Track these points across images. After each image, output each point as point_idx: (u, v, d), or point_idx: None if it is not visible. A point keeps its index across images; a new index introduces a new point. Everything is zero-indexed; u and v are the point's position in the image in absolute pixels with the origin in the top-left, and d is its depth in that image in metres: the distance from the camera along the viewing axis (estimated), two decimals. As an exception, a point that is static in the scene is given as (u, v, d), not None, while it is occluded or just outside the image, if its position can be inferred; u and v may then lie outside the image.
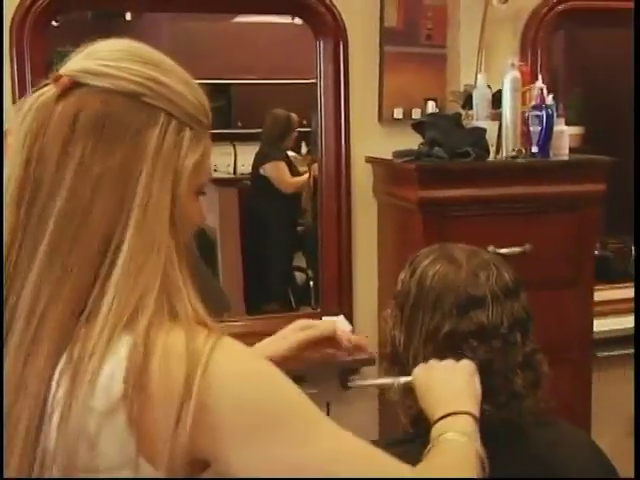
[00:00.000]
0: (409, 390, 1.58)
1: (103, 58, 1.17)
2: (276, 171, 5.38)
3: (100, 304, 1.09)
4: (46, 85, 1.17)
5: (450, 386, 1.47)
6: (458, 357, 1.55)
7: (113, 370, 1.06)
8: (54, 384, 1.07)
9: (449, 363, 1.53)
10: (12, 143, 1.15)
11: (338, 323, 1.78)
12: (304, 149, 5.99)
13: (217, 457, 1.11)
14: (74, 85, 1.14)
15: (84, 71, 1.15)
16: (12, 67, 2.96)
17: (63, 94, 1.14)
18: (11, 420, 1.08)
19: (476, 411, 1.41)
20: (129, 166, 1.12)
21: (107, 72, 1.14)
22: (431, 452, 1.31)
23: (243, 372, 1.12)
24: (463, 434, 1.32)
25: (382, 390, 1.74)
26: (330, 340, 1.68)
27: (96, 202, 1.11)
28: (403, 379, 1.58)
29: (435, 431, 1.37)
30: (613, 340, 3.62)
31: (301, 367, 3.22)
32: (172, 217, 1.15)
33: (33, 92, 1.18)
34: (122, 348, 1.06)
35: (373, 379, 1.68)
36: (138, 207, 1.12)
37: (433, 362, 1.54)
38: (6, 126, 2.89)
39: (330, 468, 1.11)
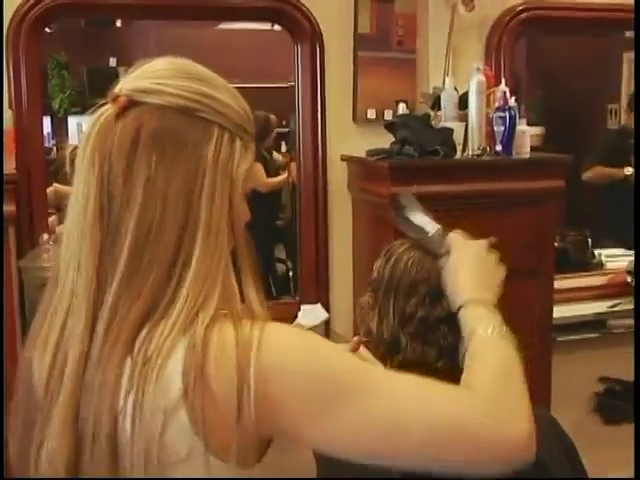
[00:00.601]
0: None
1: (155, 77, 1.16)
2: (255, 172, 5.37)
3: (170, 310, 1.09)
4: (104, 104, 1.16)
5: (482, 270, 1.47)
6: (431, 342, 1.56)
7: (172, 370, 1.06)
8: (125, 382, 1.08)
9: (484, 246, 1.53)
10: (78, 163, 1.14)
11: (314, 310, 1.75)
12: (284, 148, 5.98)
13: (285, 431, 1.10)
14: (131, 104, 1.14)
15: (139, 90, 1.14)
16: (8, 72, 2.94)
17: (121, 113, 1.14)
18: (86, 417, 1.09)
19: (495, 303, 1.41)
20: (191, 179, 1.13)
21: (161, 90, 1.14)
22: (471, 354, 1.29)
23: (295, 347, 1.10)
24: (498, 327, 1.32)
25: None
26: None
27: (166, 216, 1.11)
28: (438, 229, 1.58)
29: (467, 319, 1.37)
30: (572, 325, 3.64)
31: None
32: (231, 224, 1.15)
33: (93, 112, 1.17)
34: (180, 349, 1.06)
35: (418, 212, 1.64)
36: (204, 218, 1.12)
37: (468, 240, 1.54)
38: (6, 126, 2.88)
39: (403, 416, 1.10)
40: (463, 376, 1.23)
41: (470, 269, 1.46)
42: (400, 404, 1.11)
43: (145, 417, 1.06)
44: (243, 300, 1.15)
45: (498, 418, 1.14)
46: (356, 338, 1.63)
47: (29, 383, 1.19)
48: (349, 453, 1.12)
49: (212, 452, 1.07)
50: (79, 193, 1.14)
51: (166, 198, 1.11)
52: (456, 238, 1.54)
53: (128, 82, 1.16)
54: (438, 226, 1.59)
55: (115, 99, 1.14)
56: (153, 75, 1.16)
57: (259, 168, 5.41)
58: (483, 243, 1.53)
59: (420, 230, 1.63)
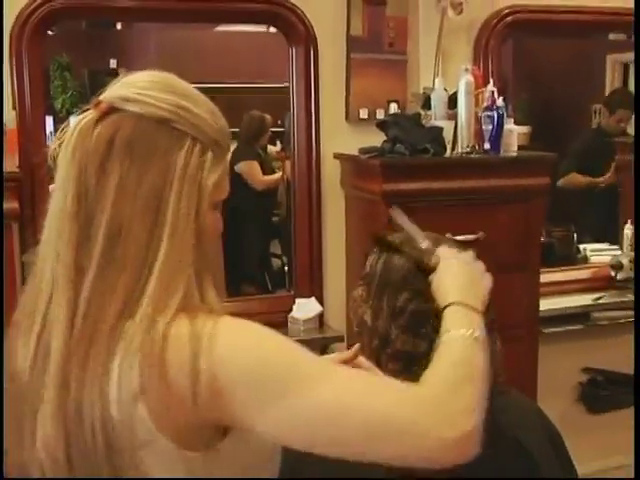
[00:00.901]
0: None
1: (138, 87, 1.20)
2: (249, 169, 5.35)
3: (138, 306, 1.13)
4: (87, 110, 1.20)
5: (469, 277, 1.45)
6: (422, 335, 1.56)
7: (131, 363, 1.09)
8: (108, 371, 1.12)
9: (471, 257, 1.51)
10: (59, 160, 1.19)
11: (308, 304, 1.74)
12: (279, 146, 5.97)
13: (238, 422, 1.13)
14: (111, 110, 1.18)
15: (121, 98, 1.18)
16: (11, 74, 2.93)
17: (101, 118, 1.18)
18: (78, 404, 1.13)
19: (482, 310, 1.39)
20: (160, 184, 1.16)
21: (141, 99, 1.18)
22: (438, 352, 1.27)
23: (244, 341, 1.13)
24: (470, 331, 1.29)
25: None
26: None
27: (135, 216, 1.15)
28: (428, 243, 1.56)
29: (445, 320, 1.35)
30: (557, 318, 3.64)
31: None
32: (197, 230, 1.18)
33: (77, 115, 1.21)
34: (137, 343, 1.10)
35: (410, 224, 1.63)
36: (170, 221, 1.16)
37: (457, 251, 1.52)
38: (9, 126, 2.87)
39: (343, 405, 1.11)
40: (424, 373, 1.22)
41: (457, 277, 1.45)
42: (341, 397, 1.12)
43: (120, 404, 1.10)
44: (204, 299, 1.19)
45: (434, 416, 1.12)
46: (357, 345, 1.61)
47: (14, 372, 1.21)
48: (292, 442, 1.16)
49: (169, 438, 1.11)
50: (58, 188, 1.18)
51: (135, 199, 1.15)
52: (445, 250, 1.53)
53: (112, 90, 1.21)
54: (428, 241, 1.59)
55: (97, 105, 1.19)
56: (135, 85, 1.20)
57: (255, 166, 5.40)
58: (470, 254, 1.51)
59: (413, 241, 1.63)
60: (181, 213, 1.16)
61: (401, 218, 1.65)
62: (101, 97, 1.20)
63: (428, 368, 1.22)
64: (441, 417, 1.12)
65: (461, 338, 1.28)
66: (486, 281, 1.49)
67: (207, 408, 1.09)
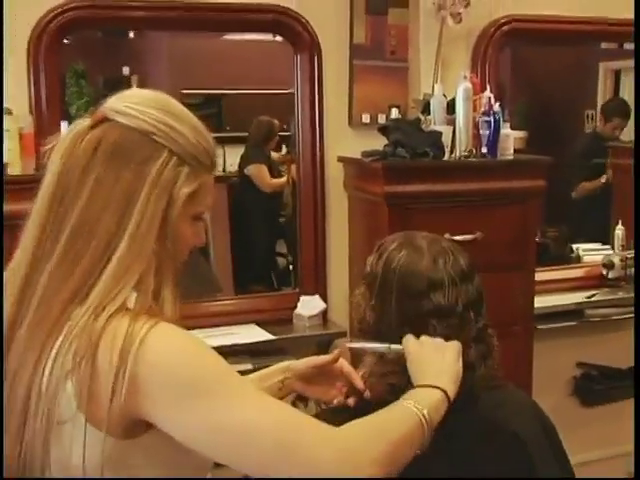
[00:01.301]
0: (389, 360, 1.58)
1: (129, 101, 1.27)
2: (257, 173, 5.35)
3: (89, 295, 1.19)
4: (85, 117, 1.28)
5: (437, 363, 1.46)
6: (421, 333, 1.55)
7: (71, 344, 1.16)
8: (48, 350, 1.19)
9: (439, 342, 1.52)
10: (52, 157, 1.27)
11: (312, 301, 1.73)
12: (284, 150, 5.96)
13: (151, 418, 1.17)
14: (104, 119, 1.26)
15: (113, 110, 1.26)
16: (29, 80, 2.92)
17: (94, 125, 1.26)
18: (12, 386, 1.20)
19: (452, 391, 1.41)
20: (132, 189, 1.22)
21: (129, 112, 1.25)
22: (381, 412, 1.30)
23: (169, 347, 1.17)
24: (420, 404, 1.32)
25: (355, 356, 1.71)
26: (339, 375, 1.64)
27: (103, 215, 1.21)
28: (395, 347, 1.56)
29: (404, 395, 1.37)
30: (552, 315, 3.64)
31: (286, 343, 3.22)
32: (161, 234, 1.23)
33: (77, 121, 1.29)
34: (79, 328, 1.16)
35: (370, 343, 1.64)
36: (133, 223, 1.21)
37: (425, 338, 1.53)
38: (26, 130, 2.87)
39: (249, 431, 1.14)
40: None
41: (422, 361, 1.48)
42: (250, 415, 1.16)
43: (51, 378, 1.16)
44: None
45: (340, 453, 1.16)
46: (338, 351, 1.64)
47: None
48: (196, 447, 1.19)
49: (89, 420, 1.16)
50: (44, 184, 1.26)
51: (107, 200, 1.22)
52: (410, 339, 1.55)
53: (110, 102, 1.28)
54: (392, 347, 1.58)
55: (92, 114, 1.27)
56: (129, 100, 1.28)
57: (264, 170, 5.40)
58: (433, 340, 1.53)
59: (378, 350, 1.62)
60: (146, 217, 1.22)
61: (359, 345, 1.66)
62: (100, 108, 1.28)
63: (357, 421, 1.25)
64: (342, 458, 1.16)
65: (404, 408, 1.31)
66: (459, 364, 1.49)
67: (125, 401, 1.13)
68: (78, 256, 1.20)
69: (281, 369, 1.67)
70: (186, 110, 1.30)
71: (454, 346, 1.51)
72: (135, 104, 1.26)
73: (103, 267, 1.20)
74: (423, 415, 1.30)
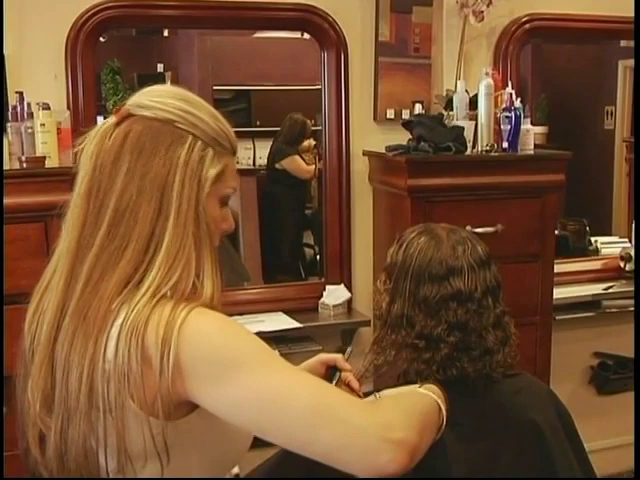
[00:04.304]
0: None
1: (151, 95, 1.30)
2: (294, 163, 5.38)
3: (144, 280, 1.21)
4: (111, 115, 1.31)
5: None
6: (434, 317, 1.56)
7: (120, 331, 1.17)
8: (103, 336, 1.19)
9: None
10: (83, 155, 1.29)
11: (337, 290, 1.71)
12: (312, 144, 5.97)
13: (195, 397, 1.18)
14: (128, 115, 1.28)
15: (137, 105, 1.29)
16: (67, 77, 2.95)
17: (120, 122, 1.28)
18: (66, 366, 1.20)
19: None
20: (163, 175, 1.24)
21: (151, 105, 1.28)
22: (400, 395, 1.32)
23: (207, 328, 1.19)
24: (435, 394, 1.32)
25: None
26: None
27: (140, 202, 1.23)
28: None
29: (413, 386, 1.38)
30: (570, 305, 3.63)
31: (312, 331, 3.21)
32: (197, 217, 1.25)
33: (104, 121, 1.32)
34: (136, 314, 1.18)
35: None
36: (174, 208, 1.23)
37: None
38: (64, 125, 2.89)
39: (285, 398, 1.15)
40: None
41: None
42: (288, 385, 1.16)
43: (109, 365, 1.17)
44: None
45: (381, 419, 1.15)
46: (340, 356, 1.56)
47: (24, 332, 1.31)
48: (241, 422, 1.21)
49: (139, 406, 1.18)
50: (78, 182, 1.29)
51: (141, 187, 1.23)
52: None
53: (132, 99, 1.31)
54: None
55: (118, 110, 1.30)
56: (150, 94, 1.31)
57: (298, 159, 5.42)
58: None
59: None
60: (184, 200, 1.24)
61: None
62: (125, 104, 1.30)
63: (383, 400, 1.28)
64: (383, 423, 1.14)
65: (424, 395, 1.32)
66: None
67: (171, 382, 1.15)
68: (122, 244, 1.22)
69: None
70: (203, 100, 1.33)
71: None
72: (156, 97, 1.29)
73: (153, 252, 1.22)
74: (439, 403, 1.31)
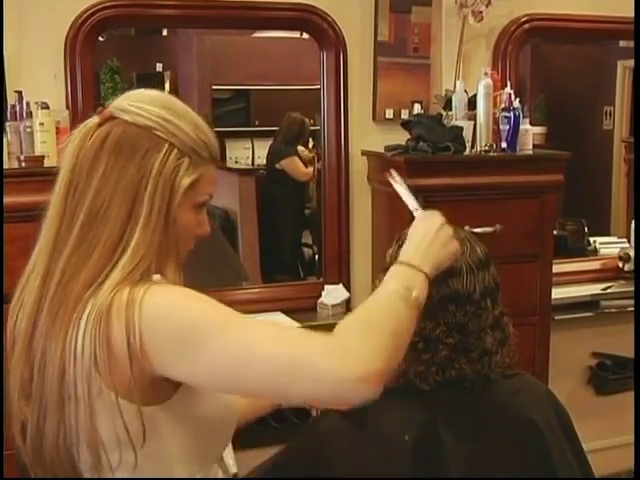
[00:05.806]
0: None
1: (134, 100, 1.33)
2: (292, 164, 5.39)
3: (105, 283, 1.24)
4: (94, 116, 1.34)
5: (426, 243, 1.44)
6: (433, 317, 1.55)
7: (87, 322, 1.21)
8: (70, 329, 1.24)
9: (440, 222, 1.49)
10: (65, 154, 1.32)
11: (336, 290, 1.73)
12: (310, 144, 5.97)
13: (164, 371, 1.22)
14: (110, 117, 1.32)
15: (118, 108, 1.32)
16: (65, 76, 2.94)
17: (102, 123, 1.31)
18: (40, 368, 1.25)
19: (432, 276, 1.41)
20: (137, 181, 1.27)
21: (132, 110, 1.31)
22: (365, 302, 1.31)
23: (162, 301, 1.22)
24: (408, 289, 1.32)
25: None
26: None
27: (112, 206, 1.27)
28: (417, 209, 1.57)
29: (388, 274, 1.38)
30: (568, 306, 3.62)
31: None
32: (166, 223, 1.29)
33: (88, 120, 1.35)
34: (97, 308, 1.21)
35: (406, 190, 1.63)
36: (144, 214, 1.27)
37: (435, 216, 1.51)
38: (62, 124, 2.89)
39: (252, 348, 1.18)
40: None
41: (417, 238, 1.46)
42: (250, 343, 1.18)
43: (77, 358, 1.21)
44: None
45: (338, 361, 1.16)
46: None
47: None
48: (207, 386, 1.27)
49: (119, 394, 1.21)
50: (60, 174, 1.32)
51: (115, 191, 1.27)
52: (421, 213, 1.55)
53: (116, 101, 1.34)
54: (420, 208, 1.57)
55: (101, 112, 1.33)
56: (133, 99, 1.34)
57: (297, 160, 5.43)
58: (439, 219, 1.50)
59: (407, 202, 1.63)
60: (155, 206, 1.27)
61: (397, 183, 1.65)
62: (109, 106, 1.33)
63: (348, 315, 1.27)
64: (349, 359, 1.16)
65: (392, 293, 1.31)
66: (451, 246, 1.48)
67: (141, 363, 1.19)
68: (92, 245, 1.26)
69: None
70: (188, 108, 1.35)
71: (448, 230, 1.49)
72: (138, 102, 1.32)
73: (120, 255, 1.25)
74: (415, 299, 1.32)
